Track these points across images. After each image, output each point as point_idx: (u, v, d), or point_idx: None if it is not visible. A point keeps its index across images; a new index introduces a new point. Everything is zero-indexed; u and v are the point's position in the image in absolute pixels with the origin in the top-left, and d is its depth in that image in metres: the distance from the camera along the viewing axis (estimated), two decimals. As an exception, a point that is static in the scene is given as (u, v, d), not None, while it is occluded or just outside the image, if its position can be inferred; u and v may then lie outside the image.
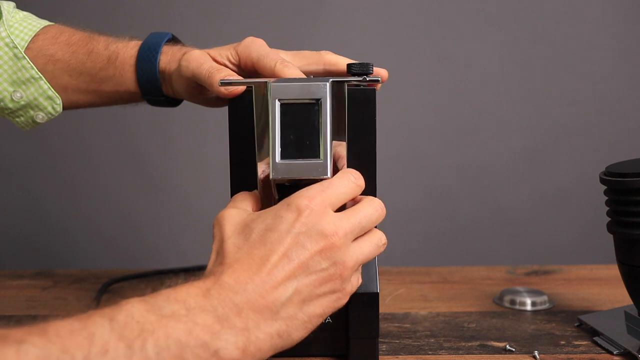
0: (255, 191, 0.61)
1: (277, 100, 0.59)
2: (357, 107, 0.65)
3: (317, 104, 0.58)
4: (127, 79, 0.75)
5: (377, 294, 0.65)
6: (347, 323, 0.66)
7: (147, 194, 1.59)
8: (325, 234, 0.51)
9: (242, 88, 0.64)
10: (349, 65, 0.66)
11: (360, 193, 0.58)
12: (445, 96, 1.56)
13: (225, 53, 0.70)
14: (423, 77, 1.56)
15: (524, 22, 1.55)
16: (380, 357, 0.69)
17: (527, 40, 1.55)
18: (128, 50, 0.76)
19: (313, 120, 0.58)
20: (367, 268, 0.66)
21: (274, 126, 0.58)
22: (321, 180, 0.56)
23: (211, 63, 0.68)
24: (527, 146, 1.57)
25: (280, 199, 0.57)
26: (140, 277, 1.01)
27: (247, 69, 0.70)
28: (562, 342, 0.73)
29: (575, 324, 0.78)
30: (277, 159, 0.58)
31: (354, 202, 0.58)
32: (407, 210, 1.58)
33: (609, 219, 0.71)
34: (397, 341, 0.74)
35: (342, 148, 0.61)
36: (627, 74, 1.55)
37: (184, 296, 0.48)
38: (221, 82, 0.62)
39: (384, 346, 0.72)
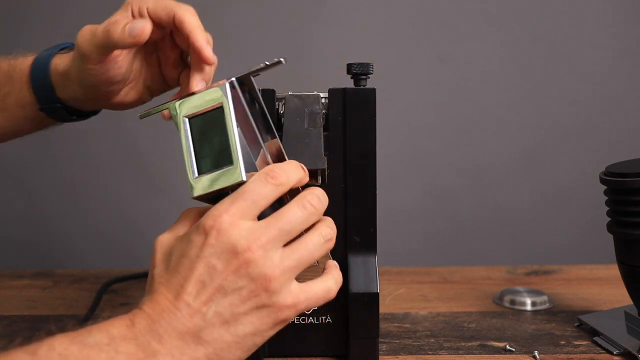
0: (204, 207, 0.58)
1: (184, 118, 0.57)
2: (357, 107, 0.65)
3: (220, 108, 0.55)
4: (25, 89, 0.73)
5: (377, 294, 0.65)
6: (347, 323, 0.66)
7: (147, 194, 1.59)
8: (237, 251, 0.49)
9: (147, 31, 0.61)
10: (348, 65, 0.66)
11: (283, 192, 0.53)
12: (445, 96, 1.56)
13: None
14: (423, 77, 1.56)
15: (524, 22, 1.55)
16: (380, 357, 0.69)
17: (527, 40, 1.55)
18: (25, 62, 0.74)
19: (221, 127, 0.55)
20: (367, 268, 0.66)
21: (188, 144, 0.57)
22: (239, 185, 0.53)
23: (104, 23, 0.63)
24: (527, 146, 1.57)
25: None
26: (140, 277, 1.01)
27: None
28: (562, 342, 0.73)
29: (575, 324, 0.78)
30: (195, 175, 0.56)
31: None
32: (407, 210, 1.58)
33: (609, 219, 0.71)
34: (397, 341, 0.74)
35: (273, 145, 0.58)
36: (627, 74, 1.55)
37: (107, 327, 0.47)
38: (140, 116, 0.61)
39: (384, 346, 0.72)
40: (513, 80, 1.56)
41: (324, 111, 0.65)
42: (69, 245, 1.60)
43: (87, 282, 1.00)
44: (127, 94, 0.72)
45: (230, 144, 0.54)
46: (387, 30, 1.55)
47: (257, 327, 0.50)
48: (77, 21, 1.67)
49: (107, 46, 0.63)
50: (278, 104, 0.66)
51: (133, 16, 0.65)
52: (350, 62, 0.66)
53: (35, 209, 1.61)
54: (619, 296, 0.86)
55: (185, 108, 0.57)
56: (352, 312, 0.65)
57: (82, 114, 0.76)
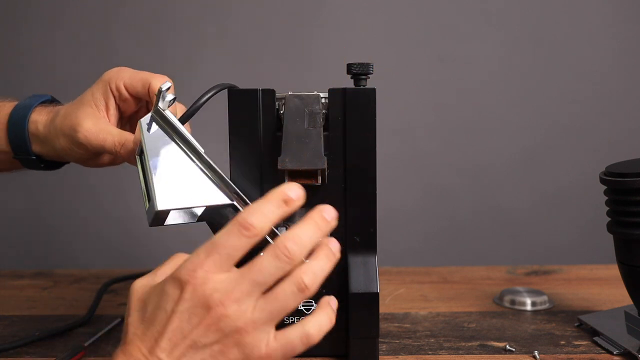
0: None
1: (136, 156, 0.64)
2: (357, 107, 0.65)
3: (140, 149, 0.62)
4: (2, 136, 0.75)
5: (377, 294, 0.65)
6: (347, 323, 0.66)
7: (147, 194, 1.59)
8: (210, 306, 0.49)
9: None
10: (348, 65, 0.66)
11: (260, 239, 0.51)
12: (445, 96, 1.56)
13: (99, 101, 0.71)
14: (423, 77, 1.56)
15: (524, 22, 1.55)
16: (380, 357, 0.69)
17: (527, 40, 1.55)
18: (4, 109, 0.76)
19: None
20: (367, 268, 0.66)
21: (140, 178, 0.63)
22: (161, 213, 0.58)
23: (112, 138, 0.68)
24: (527, 146, 1.57)
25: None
26: (140, 277, 1.01)
27: (123, 98, 0.71)
28: (562, 342, 0.73)
29: (575, 324, 0.78)
30: (147, 205, 0.61)
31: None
32: (407, 209, 1.58)
33: (609, 219, 0.71)
34: (397, 341, 0.74)
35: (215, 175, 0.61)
36: (627, 74, 1.55)
37: None
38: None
39: (384, 346, 0.72)
40: (513, 80, 1.56)
41: (324, 111, 0.65)
42: (69, 245, 1.60)
43: (87, 282, 1.00)
44: (101, 159, 0.76)
45: (149, 184, 0.59)
46: (387, 30, 1.55)
47: None
48: (77, 21, 1.66)
49: (113, 154, 0.69)
50: (278, 104, 0.66)
51: (112, 95, 0.71)
52: (350, 62, 0.66)
53: (35, 209, 1.61)
54: (619, 296, 0.86)
55: (138, 147, 0.64)
56: (352, 312, 0.65)
57: (54, 165, 0.79)
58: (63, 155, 0.73)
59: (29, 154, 0.74)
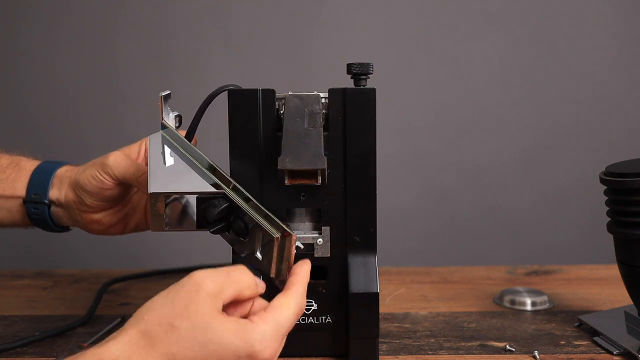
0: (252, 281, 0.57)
1: None
2: (357, 107, 0.65)
3: None
4: (20, 181, 0.79)
5: (377, 294, 0.65)
6: (347, 323, 0.66)
7: (147, 194, 1.58)
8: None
9: None
10: (348, 65, 0.66)
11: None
12: (445, 96, 1.56)
13: (134, 150, 0.79)
14: (423, 77, 1.56)
15: (524, 22, 1.55)
16: (380, 357, 0.69)
17: (527, 40, 1.55)
18: (32, 161, 0.81)
19: None
20: (367, 268, 0.66)
21: None
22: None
23: (135, 167, 0.74)
24: (527, 146, 1.57)
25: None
26: (140, 277, 1.01)
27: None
28: (562, 342, 0.73)
29: (575, 324, 0.78)
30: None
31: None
32: (407, 209, 1.58)
33: (609, 219, 0.71)
34: (397, 341, 0.74)
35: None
36: (627, 74, 1.55)
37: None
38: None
39: (384, 346, 0.72)
40: (513, 80, 1.56)
41: (324, 111, 0.65)
42: (69, 245, 1.59)
43: (87, 282, 1.00)
44: (105, 217, 0.78)
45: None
46: (387, 30, 1.55)
47: None
48: (77, 21, 1.66)
49: (132, 182, 0.74)
50: (278, 104, 0.66)
51: (146, 149, 0.78)
52: (350, 62, 0.66)
53: (35, 209, 1.61)
54: (619, 296, 0.86)
55: None
56: (352, 312, 0.65)
57: (53, 226, 0.80)
58: (81, 194, 0.76)
59: (43, 197, 0.77)
